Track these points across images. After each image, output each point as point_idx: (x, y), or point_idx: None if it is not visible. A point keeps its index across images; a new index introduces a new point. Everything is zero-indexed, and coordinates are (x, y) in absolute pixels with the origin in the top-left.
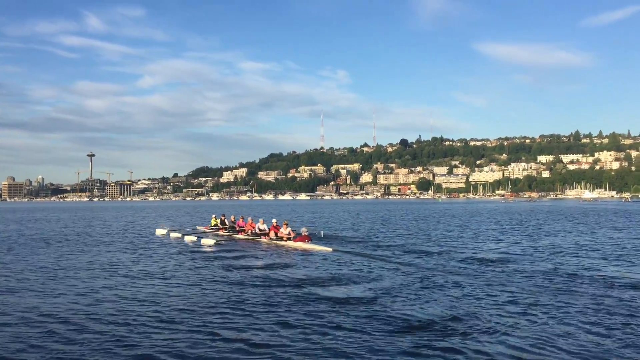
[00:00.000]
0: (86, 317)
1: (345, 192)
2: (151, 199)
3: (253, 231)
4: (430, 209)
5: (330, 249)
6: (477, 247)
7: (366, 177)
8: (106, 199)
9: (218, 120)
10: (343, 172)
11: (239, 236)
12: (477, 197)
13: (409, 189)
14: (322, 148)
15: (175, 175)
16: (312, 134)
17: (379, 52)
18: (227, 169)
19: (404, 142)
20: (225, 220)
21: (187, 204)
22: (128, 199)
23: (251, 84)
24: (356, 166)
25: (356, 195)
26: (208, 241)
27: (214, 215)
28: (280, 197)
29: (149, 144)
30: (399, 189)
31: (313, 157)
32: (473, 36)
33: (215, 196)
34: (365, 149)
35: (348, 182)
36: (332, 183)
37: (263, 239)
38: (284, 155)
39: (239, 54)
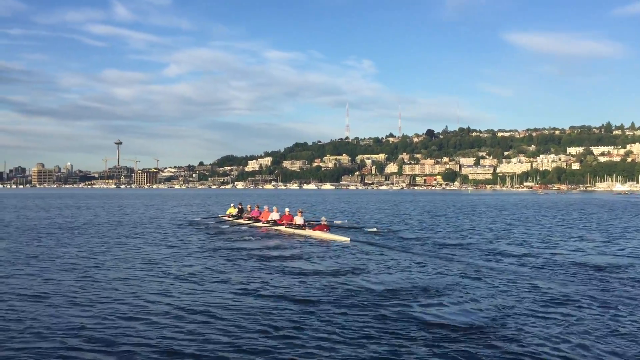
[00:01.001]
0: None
1: (370, 182)
2: (177, 186)
3: (267, 220)
4: (467, 201)
5: (348, 239)
6: (565, 247)
7: (391, 168)
8: (133, 186)
9: (243, 109)
10: (368, 162)
11: (258, 224)
12: (504, 188)
13: (435, 179)
14: (347, 138)
15: (201, 163)
16: (337, 124)
17: (404, 42)
18: (252, 157)
19: (430, 132)
20: (243, 209)
21: (213, 192)
22: (154, 186)
23: (276, 73)
24: (381, 156)
25: (381, 185)
26: (225, 226)
27: (232, 204)
28: (305, 186)
29: (175, 132)
30: (425, 179)
31: (338, 146)
32: (499, 26)
33: (240, 185)
34: (391, 139)
35: (373, 172)
36: (357, 173)
37: (281, 228)
38: (309, 144)
39: (264, 43)
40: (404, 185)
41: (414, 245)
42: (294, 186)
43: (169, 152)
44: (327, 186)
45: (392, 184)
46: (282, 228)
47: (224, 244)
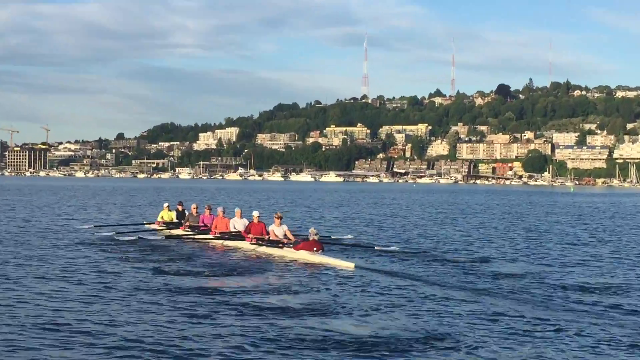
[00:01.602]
0: None
1: (402, 171)
2: (80, 174)
3: (223, 232)
4: (573, 207)
5: (352, 265)
6: None
7: (438, 148)
8: (6, 173)
9: (192, 47)
10: (399, 137)
11: (209, 237)
12: (626, 184)
13: (511, 168)
14: (364, 97)
15: (120, 136)
16: (349, 74)
17: None
18: (206, 128)
19: (503, 90)
20: (185, 211)
21: (140, 184)
22: (43, 173)
23: None
24: (421, 128)
25: (421, 176)
26: (154, 236)
27: (166, 204)
28: (295, 177)
29: (77, 83)
30: (494, 168)
31: (349, 111)
32: None
33: (185, 173)
34: (438, 100)
35: (407, 154)
36: (381, 156)
37: (242, 243)
38: (301, 108)
39: None
40: (460, 177)
41: (489, 288)
42: (274, 176)
43: (68, 117)
44: (331, 177)
45: (440, 174)
46: (247, 245)
47: (146, 278)
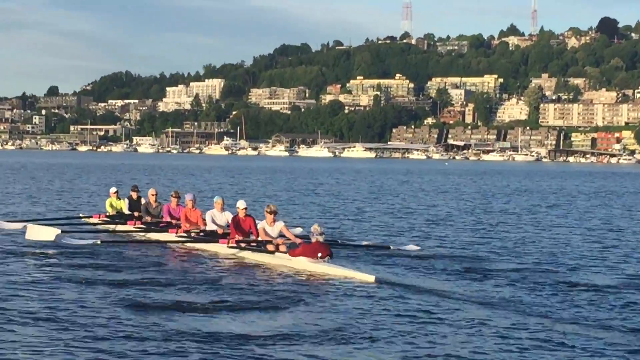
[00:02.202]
0: None
1: (460, 143)
2: None
3: (192, 229)
4: None
5: (372, 278)
6: None
7: (513, 110)
8: None
9: None
10: (456, 94)
11: (171, 238)
12: None
13: (618, 140)
14: (405, 37)
15: (53, 91)
16: (383, 2)
17: None
18: (177, 80)
19: (607, 26)
20: (142, 200)
21: (79, 161)
22: None
23: None
24: (489, 82)
25: (488, 151)
26: (83, 241)
27: (113, 190)
28: (304, 151)
29: None
30: (593, 139)
31: (384, 57)
32: None
33: (147, 144)
34: (513, 40)
35: (468, 118)
36: (430, 121)
37: (215, 246)
38: (314, 51)
39: None
40: (543, 152)
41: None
42: (275, 150)
43: None
44: (358, 151)
45: (516, 148)
46: (225, 249)
47: (90, 301)
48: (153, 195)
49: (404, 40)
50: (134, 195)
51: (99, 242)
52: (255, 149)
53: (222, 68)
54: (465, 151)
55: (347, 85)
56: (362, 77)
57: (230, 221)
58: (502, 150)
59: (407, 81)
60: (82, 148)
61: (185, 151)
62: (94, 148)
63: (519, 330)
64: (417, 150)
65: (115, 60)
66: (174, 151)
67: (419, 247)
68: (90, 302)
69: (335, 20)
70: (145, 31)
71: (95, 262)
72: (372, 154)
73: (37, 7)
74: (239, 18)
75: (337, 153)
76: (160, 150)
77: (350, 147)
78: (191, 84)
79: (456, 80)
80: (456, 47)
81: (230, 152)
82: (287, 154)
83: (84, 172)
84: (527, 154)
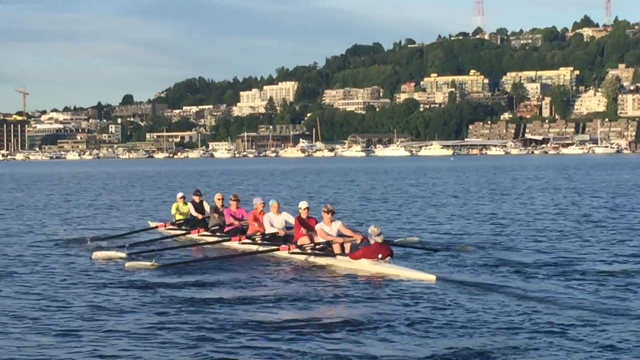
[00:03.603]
0: None
1: (538, 137)
2: (72, 155)
3: (252, 234)
4: None
5: (433, 277)
6: None
7: (591, 102)
8: None
9: None
10: (532, 88)
11: (232, 244)
12: None
13: None
14: (478, 32)
15: (128, 100)
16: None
17: None
18: (250, 84)
19: None
20: (204, 203)
21: (156, 168)
22: (19, 156)
23: None
24: (565, 74)
25: (567, 144)
26: (141, 264)
27: (180, 195)
28: (381, 150)
29: (61, 26)
30: None
31: (457, 53)
32: None
33: (223, 149)
34: (588, 31)
35: (545, 112)
36: (507, 116)
37: (279, 251)
38: (387, 50)
39: None
40: (624, 143)
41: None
42: (352, 151)
43: (52, 75)
44: (435, 149)
45: (594, 141)
46: (288, 254)
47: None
48: (219, 199)
49: (477, 36)
50: (197, 199)
51: (156, 265)
52: (331, 150)
53: (295, 70)
54: (543, 145)
55: (422, 83)
56: (436, 75)
57: (293, 222)
58: (581, 143)
59: (482, 77)
60: (159, 155)
61: (261, 155)
62: (171, 155)
63: (593, 334)
64: (495, 146)
65: (189, 67)
66: (250, 155)
67: (473, 248)
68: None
69: (405, 18)
70: (217, 36)
71: (175, 284)
72: (449, 152)
73: (109, 17)
74: (310, 20)
75: (414, 152)
76: (237, 155)
77: (427, 145)
78: (265, 87)
79: (531, 74)
80: (530, 41)
81: (306, 154)
82: (363, 154)
83: (161, 181)
84: (607, 146)
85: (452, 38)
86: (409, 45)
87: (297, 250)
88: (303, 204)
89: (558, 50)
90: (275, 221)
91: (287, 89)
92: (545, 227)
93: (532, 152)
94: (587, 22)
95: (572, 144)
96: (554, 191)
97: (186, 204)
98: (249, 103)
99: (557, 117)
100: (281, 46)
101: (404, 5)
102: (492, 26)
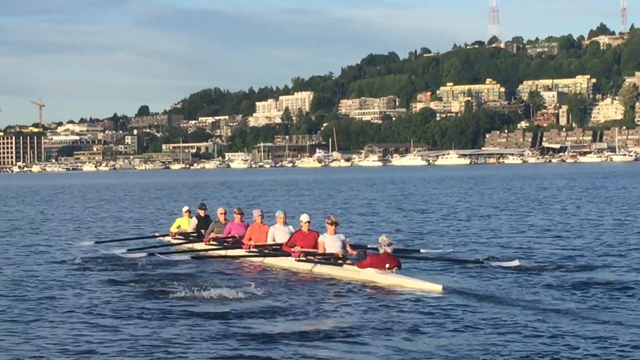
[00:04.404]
0: None
1: (556, 146)
2: (89, 167)
3: (255, 245)
4: None
5: (439, 287)
6: None
7: (608, 110)
8: None
9: None
10: (549, 96)
11: (239, 253)
12: None
13: None
14: (494, 41)
15: (144, 111)
16: (469, 7)
17: None
18: (266, 94)
19: None
20: (209, 218)
21: (173, 179)
22: (35, 168)
23: None
24: (581, 82)
25: (585, 152)
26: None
27: (185, 209)
28: (398, 160)
29: (78, 38)
30: None
31: (473, 62)
32: None
33: (239, 160)
34: (604, 39)
35: (562, 120)
36: (524, 125)
37: (285, 260)
38: (402, 59)
39: None
40: None
41: None
42: (369, 161)
43: (68, 86)
44: (452, 158)
45: (612, 149)
46: (292, 262)
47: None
48: (222, 213)
49: (493, 45)
50: (201, 212)
51: (184, 257)
52: (348, 160)
53: (311, 80)
54: (561, 154)
55: (437, 92)
56: (452, 84)
57: (291, 235)
58: (599, 152)
59: (498, 85)
60: (175, 166)
61: (277, 165)
62: (187, 166)
63: (609, 345)
64: (513, 154)
65: (204, 77)
66: (267, 166)
67: (517, 263)
68: (155, 313)
69: (420, 28)
70: (233, 47)
71: (181, 278)
72: (466, 161)
73: (124, 29)
74: (324, 30)
75: (430, 161)
76: (253, 166)
77: (444, 155)
78: (280, 97)
79: (548, 82)
80: (546, 49)
81: (323, 164)
82: (380, 163)
83: (178, 192)
84: (625, 154)
85: (468, 47)
86: (424, 55)
87: (303, 258)
88: (304, 217)
89: (574, 59)
90: (279, 233)
91: (302, 99)
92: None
93: (550, 161)
94: (603, 30)
95: (590, 153)
96: (602, 202)
97: (190, 217)
98: (265, 113)
99: (574, 125)
100: (297, 56)
101: (418, 15)
102: (508, 35)
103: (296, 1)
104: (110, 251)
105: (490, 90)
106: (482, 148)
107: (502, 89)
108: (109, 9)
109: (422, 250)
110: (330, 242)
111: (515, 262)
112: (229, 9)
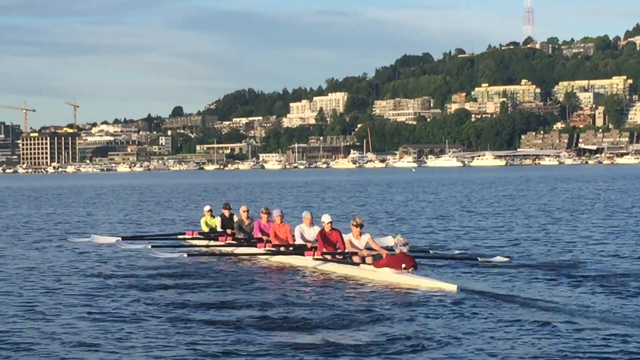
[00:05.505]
0: None
1: (592, 147)
2: (123, 167)
3: (277, 244)
4: None
5: (454, 287)
6: None
7: None
8: (19, 170)
9: None
10: (585, 97)
11: (253, 250)
12: None
13: None
14: (529, 41)
15: (178, 112)
16: (504, 8)
17: None
18: (300, 95)
19: None
20: (234, 217)
21: (207, 180)
22: (70, 168)
23: None
24: (618, 83)
25: (622, 154)
26: (170, 254)
27: (207, 208)
28: (432, 161)
29: (112, 39)
30: None
31: (508, 63)
32: None
33: (273, 161)
34: (639, 39)
35: (599, 121)
36: (560, 126)
37: (301, 259)
38: (437, 60)
39: None
40: None
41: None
42: (403, 162)
43: (102, 87)
44: (487, 159)
45: None
46: (312, 261)
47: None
48: (245, 212)
49: (528, 45)
50: (226, 212)
51: (185, 256)
52: (382, 161)
53: (345, 81)
54: (597, 155)
55: (472, 93)
56: (487, 84)
57: (312, 234)
58: (636, 153)
59: (534, 86)
60: (209, 167)
61: (312, 166)
62: (221, 167)
63: (613, 343)
64: (549, 156)
65: (238, 78)
66: (301, 167)
67: (507, 259)
68: (175, 313)
69: (455, 29)
70: (267, 48)
71: (183, 275)
72: (502, 162)
73: (158, 30)
74: (358, 31)
75: (466, 162)
76: (287, 167)
77: (479, 156)
78: (314, 98)
79: (584, 83)
80: (582, 50)
81: (357, 165)
82: (415, 165)
83: (213, 193)
84: None
85: (503, 48)
86: (459, 55)
87: (320, 257)
88: (326, 218)
89: (610, 59)
90: (307, 233)
91: (337, 100)
92: None
93: (586, 162)
94: (639, 30)
95: (627, 154)
96: None
97: (214, 217)
98: (299, 114)
99: (610, 126)
100: (330, 57)
101: (452, 16)
102: (543, 35)
103: (330, 2)
104: (136, 247)
105: (526, 91)
106: (518, 149)
107: (538, 90)
108: (141, 10)
109: (430, 251)
110: (355, 242)
111: (504, 258)
112: (262, 10)
